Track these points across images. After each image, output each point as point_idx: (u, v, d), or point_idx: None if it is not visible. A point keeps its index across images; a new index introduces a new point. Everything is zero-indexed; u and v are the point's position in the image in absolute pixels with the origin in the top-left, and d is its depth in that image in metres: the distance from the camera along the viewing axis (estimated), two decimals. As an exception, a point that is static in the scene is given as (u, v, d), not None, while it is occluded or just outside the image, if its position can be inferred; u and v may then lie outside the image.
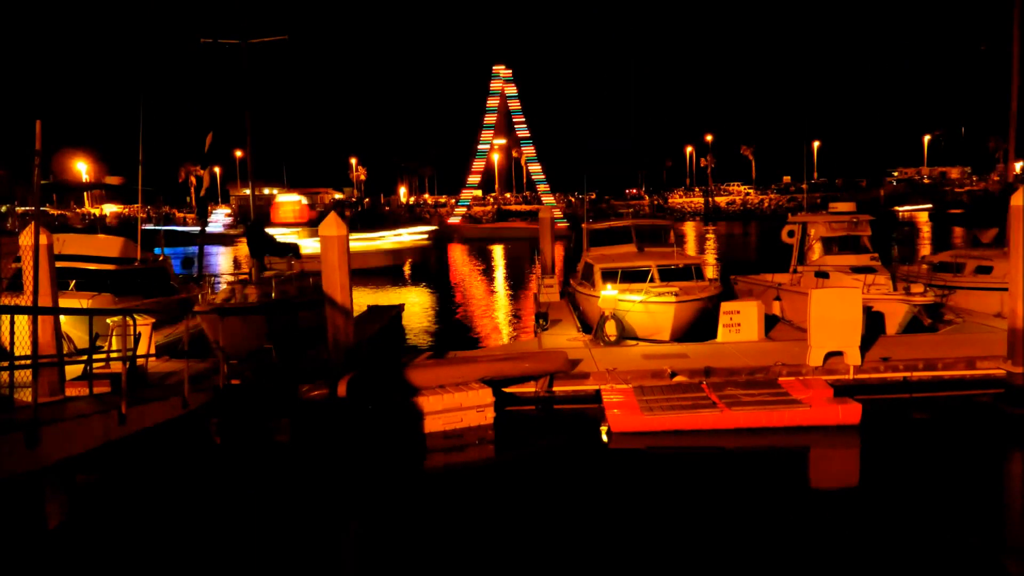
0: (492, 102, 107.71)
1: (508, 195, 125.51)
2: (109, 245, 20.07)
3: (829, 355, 14.87)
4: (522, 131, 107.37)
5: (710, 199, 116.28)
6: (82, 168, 77.34)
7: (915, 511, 9.98)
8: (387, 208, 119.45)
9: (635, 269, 19.71)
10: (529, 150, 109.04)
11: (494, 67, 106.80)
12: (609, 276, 19.48)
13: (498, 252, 63.47)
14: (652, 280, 19.11)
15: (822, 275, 20.18)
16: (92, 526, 10.31)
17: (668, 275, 19.41)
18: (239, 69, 23.80)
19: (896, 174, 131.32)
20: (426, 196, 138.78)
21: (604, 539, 9.33)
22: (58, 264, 14.58)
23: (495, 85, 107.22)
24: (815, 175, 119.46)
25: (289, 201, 66.76)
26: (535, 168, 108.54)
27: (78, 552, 9.54)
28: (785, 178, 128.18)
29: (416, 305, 31.54)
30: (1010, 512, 10.56)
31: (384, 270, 43.97)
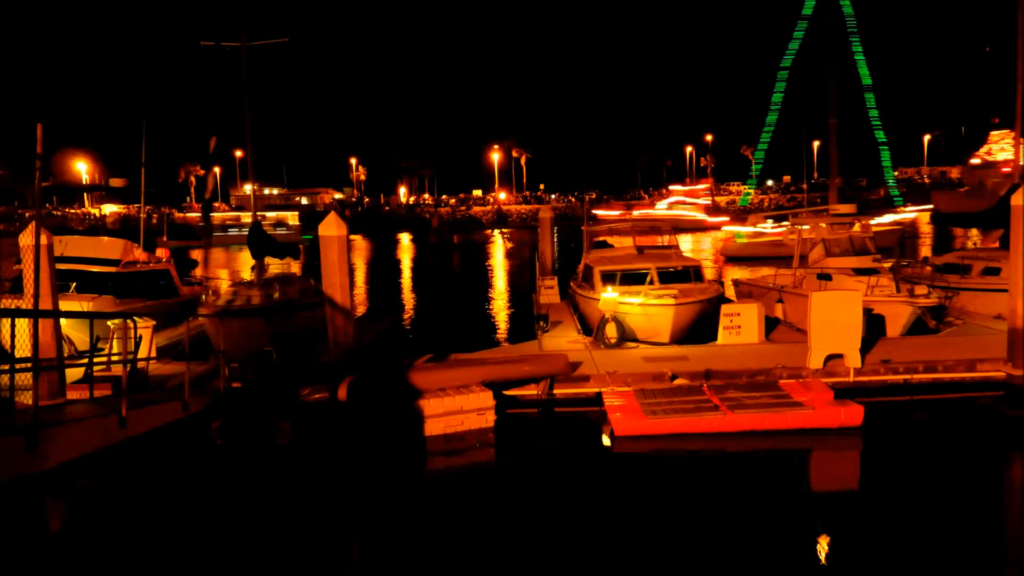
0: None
1: (506, 195, 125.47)
2: (111, 247, 20.05)
3: (829, 357, 14.86)
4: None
5: (711, 199, 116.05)
6: (82, 168, 77.25)
7: (917, 513, 9.99)
8: (387, 208, 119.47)
9: (634, 271, 19.66)
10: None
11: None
12: (608, 278, 19.43)
13: (497, 251, 63.36)
14: (651, 282, 19.07)
15: (824, 277, 20.13)
16: (93, 530, 10.29)
17: (667, 277, 19.37)
18: (239, 71, 23.78)
19: (896, 174, 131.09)
20: (426, 196, 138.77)
21: (608, 543, 9.33)
22: (60, 266, 14.48)
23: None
24: (815, 175, 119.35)
25: None
26: None
27: (79, 556, 9.53)
28: (785, 178, 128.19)
29: (416, 306, 31.48)
30: (1010, 514, 10.58)
31: None
